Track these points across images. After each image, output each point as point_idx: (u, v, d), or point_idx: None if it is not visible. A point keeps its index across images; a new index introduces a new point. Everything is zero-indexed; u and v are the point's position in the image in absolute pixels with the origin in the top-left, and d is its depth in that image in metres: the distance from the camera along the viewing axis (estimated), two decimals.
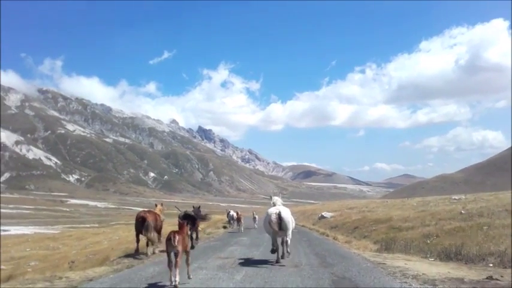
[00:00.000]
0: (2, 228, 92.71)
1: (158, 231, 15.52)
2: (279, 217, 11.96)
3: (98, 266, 13.61)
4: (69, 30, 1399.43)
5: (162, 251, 14.24)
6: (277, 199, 13.52)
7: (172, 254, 8.55)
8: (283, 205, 13.44)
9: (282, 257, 12.30)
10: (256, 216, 36.57)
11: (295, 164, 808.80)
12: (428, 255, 14.34)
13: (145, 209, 16.32)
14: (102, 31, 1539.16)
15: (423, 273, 9.83)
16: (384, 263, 11.94)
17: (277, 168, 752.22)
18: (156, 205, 17.01)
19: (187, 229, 9.62)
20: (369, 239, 22.15)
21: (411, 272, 10.07)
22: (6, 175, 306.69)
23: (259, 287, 8.53)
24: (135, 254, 14.92)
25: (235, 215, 32.16)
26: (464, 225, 19.72)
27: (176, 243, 8.36)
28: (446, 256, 13.44)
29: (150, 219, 14.75)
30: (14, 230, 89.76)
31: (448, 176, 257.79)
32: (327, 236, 24.84)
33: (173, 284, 8.28)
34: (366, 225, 27.78)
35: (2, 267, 30.20)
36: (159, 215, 15.80)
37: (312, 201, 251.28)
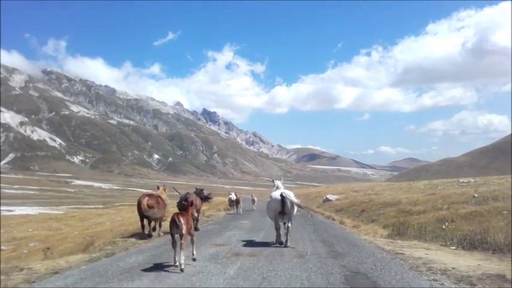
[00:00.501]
0: (7, 208, 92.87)
1: (162, 214, 15.30)
2: (283, 200, 11.80)
3: (81, 252, 12.36)
4: (72, 11, 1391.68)
5: (166, 233, 13.61)
6: (279, 183, 13.49)
7: (177, 236, 8.45)
8: (286, 188, 13.21)
9: (285, 246, 11.83)
10: (255, 199, 36.71)
11: (299, 147, 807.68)
12: (448, 243, 12.78)
13: (148, 192, 15.91)
14: (106, 11, 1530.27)
15: (452, 267, 8.25)
16: (401, 253, 10.39)
17: (282, 151, 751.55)
18: (158, 187, 16.47)
19: (192, 210, 9.52)
20: (378, 223, 20.65)
21: (437, 265, 8.50)
22: (11, 155, 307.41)
23: (255, 287, 7.03)
24: (144, 235, 14.66)
25: (234, 197, 32.17)
26: (481, 209, 18.20)
27: (181, 225, 8.27)
28: (469, 244, 11.84)
29: (152, 202, 14.42)
30: (19, 210, 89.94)
31: (452, 159, 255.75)
32: (333, 219, 23.61)
33: (178, 265, 8.25)
34: (373, 209, 26.35)
35: (3, 247, 29.64)
36: (161, 198, 15.37)
37: (316, 184, 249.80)
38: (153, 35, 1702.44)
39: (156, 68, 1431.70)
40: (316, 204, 42.54)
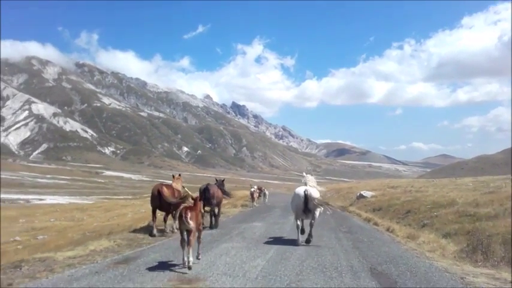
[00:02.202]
0: (38, 197, 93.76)
1: (177, 205, 13.11)
2: (306, 197, 11.67)
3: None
4: (104, 4, 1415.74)
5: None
6: (309, 177, 13.06)
7: (185, 233, 8.12)
8: (317, 183, 13.22)
9: (307, 241, 11.84)
10: (267, 192, 37.22)
11: (329, 141, 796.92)
12: None
13: (163, 182, 14.67)
14: (137, 5, 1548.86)
15: None
16: None
17: (311, 146, 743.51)
18: (173, 176, 15.04)
19: (200, 205, 9.19)
20: (433, 230, 16.23)
21: None
22: (44, 146, 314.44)
23: None
24: (151, 232, 13.46)
25: (252, 190, 32.28)
26: None
27: (189, 220, 7.92)
28: None
29: (167, 192, 13.13)
30: (50, 199, 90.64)
31: (488, 156, 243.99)
32: (376, 224, 18.92)
33: (186, 264, 7.95)
34: (421, 210, 21.91)
35: (17, 238, 28.72)
36: (177, 188, 14.04)
37: (346, 179, 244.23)
38: (183, 28, 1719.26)
39: (185, 61, 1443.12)
40: (348, 202, 38.37)
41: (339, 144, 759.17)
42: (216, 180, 17.48)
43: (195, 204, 8.59)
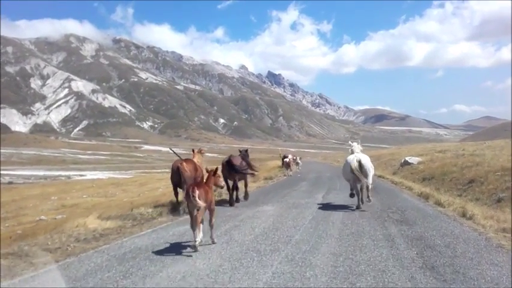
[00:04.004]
0: (79, 173, 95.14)
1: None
2: (360, 164, 12.07)
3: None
4: None
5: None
6: (356, 145, 13.55)
7: (195, 212, 7.30)
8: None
9: (362, 202, 12.36)
10: (300, 161, 36.32)
11: (367, 107, 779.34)
12: None
13: (183, 158, 13.05)
14: None
15: None
16: None
17: (349, 113, 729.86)
18: (193, 150, 13.87)
19: (215, 180, 8.01)
20: None
21: None
22: (84, 123, 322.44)
23: None
24: (172, 210, 12.30)
25: (287, 160, 31.33)
26: None
27: (197, 199, 7.15)
28: None
29: (187, 168, 12.07)
30: (90, 175, 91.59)
31: None
32: (440, 205, 12.80)
33: (194, 244, 7.29)
34: (490, 179, 17.52)
35: (42, 217, 27.48)
36: (199, 164, 12.88)
37: (385, 146, 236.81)
38: None
39: (220, 32, 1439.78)
40: (391, 170, 33.72)
41: (377, 110, 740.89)
42: (240, 151, 15.90)
43: (207, 179, 7.98)
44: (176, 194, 12.89)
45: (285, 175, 29.79)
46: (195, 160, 13.11)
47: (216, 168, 8.15)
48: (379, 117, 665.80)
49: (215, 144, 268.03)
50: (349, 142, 14.19)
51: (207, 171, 8.31)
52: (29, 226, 21.47)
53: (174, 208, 12.53)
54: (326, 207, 13.10)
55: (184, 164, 12.28)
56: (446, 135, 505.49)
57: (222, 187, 9.09)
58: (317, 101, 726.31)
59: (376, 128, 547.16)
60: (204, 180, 8.14)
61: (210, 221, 7.87)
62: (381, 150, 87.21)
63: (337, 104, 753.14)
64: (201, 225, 7.45)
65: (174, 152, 13.65)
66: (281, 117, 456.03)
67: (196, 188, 7.34)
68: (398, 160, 35.73)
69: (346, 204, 13.46)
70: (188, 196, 7.35)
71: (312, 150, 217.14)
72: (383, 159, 45.94)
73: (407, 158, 32.70)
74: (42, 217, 27.71)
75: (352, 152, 13.09)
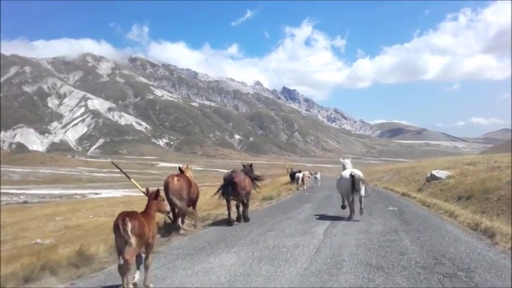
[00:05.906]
0: (94, 191, 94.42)
1: (193, 199, 12.12)
2: (353, 178, 12.74)
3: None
4: None
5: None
6: (348, 162, 14.37)
7: (126, 250, 5.34)
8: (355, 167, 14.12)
9: (360, 213, 12.94)
10: (318, 177, 36.39)
11: (383, 121, 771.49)
12: None
13: (175, 173, 11.99)
14: None
15: None
16: None
17: (365, 127, 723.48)
18: (179, 168, 12.62)
19: (156, 207, 6.13)
20: None
21: None
22: (101, 141, 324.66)
23: None
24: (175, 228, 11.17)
25: (301, 175, 32.19)
26: None
27: (128, 233, 5.34)
28: None
29: (177, 184, 10.99)
30: (105, 193, 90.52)
31: None
32: None
33: None
34: None
35: (38, 240, 26.05)
36: (192, 180, 11.96)
37: (403, 160, 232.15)
38: (231, 14, 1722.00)
39: (234, 49, 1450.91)
40: (415, 185, 29.26)
41: (393, 123, 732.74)
42: (244, 165, 14.77)
43: (147, 205, 6.04)
44: (173, 210, 11.21)
45: (297, 189, 30.33)
46: (188, 175, 11.97)
47: (158, 191, 6.16)
48: (396, 131, 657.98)
49: (231, 160, 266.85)
50: (341, 159, 14.98)
51: (146, 193, 6.39)
52: (14, 252, 19.92)
53: (176, 226, 11.34)
54: (327, 257, 7.74)
55: (175, 178, 11.15)
56: (464, 148, 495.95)
57: (168, 213, 7.52)
58: (332, 115, 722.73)
59: (393, 142, 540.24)
60: (145, 208, 6.16)
61: (146, 259, 5.98)
62: (399, 164, 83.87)
63: (352, 119, 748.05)
64: (137, 270, 5.88)
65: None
66: (297, 133, 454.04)
67: (128, 217, 5.49)
68: (423, 174, 31.98)
69: (370, 247, 8.54)
70: (117, 228, 5.45)
71: (329, 165, 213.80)
72: (403, 174, 42.26)
73: (434, 172, 28.03)
74: (38, 240, 26.09)
75: (344, 168, 13.87)
